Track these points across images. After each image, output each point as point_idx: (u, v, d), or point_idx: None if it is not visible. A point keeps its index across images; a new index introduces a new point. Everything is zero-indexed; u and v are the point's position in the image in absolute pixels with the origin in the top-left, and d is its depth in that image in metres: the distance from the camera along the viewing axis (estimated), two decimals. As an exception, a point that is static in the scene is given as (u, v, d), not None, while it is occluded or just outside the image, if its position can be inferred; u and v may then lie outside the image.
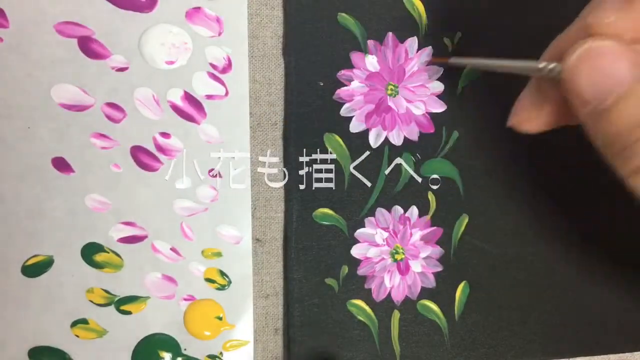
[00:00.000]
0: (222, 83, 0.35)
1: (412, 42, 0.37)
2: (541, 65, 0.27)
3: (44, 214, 0.33)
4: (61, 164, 0.33)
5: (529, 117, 0.30)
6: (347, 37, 0.36)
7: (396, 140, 0.37)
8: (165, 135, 0.34)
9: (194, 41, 0.35)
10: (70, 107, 0.33)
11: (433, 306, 0.37)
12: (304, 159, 0.36)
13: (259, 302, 0.36)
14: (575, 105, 0.25)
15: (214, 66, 0.35)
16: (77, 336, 0.34)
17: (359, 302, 0.37)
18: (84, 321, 0.34)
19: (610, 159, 0.25)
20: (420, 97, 0.37)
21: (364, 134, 0.37)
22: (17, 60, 0.33)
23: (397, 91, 0.37)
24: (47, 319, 0.34)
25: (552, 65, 0.27)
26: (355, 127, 0.36)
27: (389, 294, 0.37)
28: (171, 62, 0.34)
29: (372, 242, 0.37)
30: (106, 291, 0.34)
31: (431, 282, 0.37)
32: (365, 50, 0.36)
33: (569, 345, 0.39)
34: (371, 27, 0.37)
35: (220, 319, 0.35)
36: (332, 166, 0.36)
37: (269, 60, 0.36)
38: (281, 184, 0.36)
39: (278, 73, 0.36)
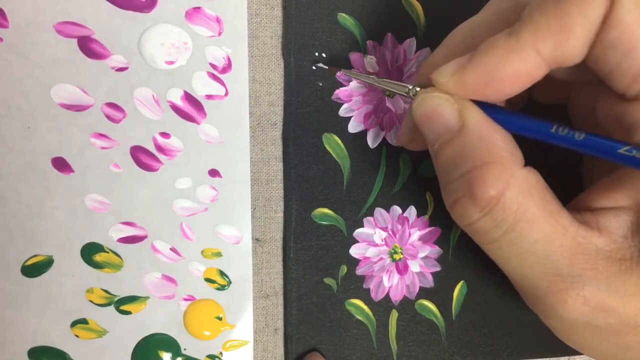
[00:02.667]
0: (222, 83, 0.36)
1: (411, 43, 0.38)
2: (409, 87, 0.32)
3: (44, 214, 0.34)
4: (61, 164, 0.34)
5: (410, 139, 0.34)
6: (346, 37, 0.37)
7: (394, 140, 0.38)
8: (165, 135, 0.35)
9: (194, 41, 0.35)
10: (70, 107, 0.34)
11: (431, 306, 0.39)
12: (303, 158, 0.37)
13: (259, 302, 0.37)
14: (423, 133, 0.30)
15: (213, 66, 0.36)
16: (77, 336, 0.35)
17: (358, 302, 0.38)
18: (83, 321, 0.35)
19: (442, 190, 0.31)
20: (418, 98, 0.38)
21: (363, 134, 0.38)
22: (17, 60, 0.34)
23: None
24: (47, 319, 0.34)
25: (415, 90, 0.32)
26: (353, 127, 0.38)
27: (388, 294, 0.38)
28: (171, 62, 0.35)
29: (370, 242, 0.38)
30: (106, 291, 0.35)
31: (429, 282, 0.39)
32: (364, 51, 0.38)
33: (567, 344, 0.40)
34: (370, 27, 0.38)
35: (220, 319, 0.36)
36: (331, 166, 0.37)
37: (268, 60, 0.37)
38: (280, 184, 0.37)
39: (278, 73, 0.37)
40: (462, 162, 0.28)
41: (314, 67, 0.37)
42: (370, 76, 0.34)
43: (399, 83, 0.32)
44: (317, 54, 0.37)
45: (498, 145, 0.28)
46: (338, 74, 0.37)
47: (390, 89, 0.33)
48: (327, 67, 0.37)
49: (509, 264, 0.30)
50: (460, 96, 0.29)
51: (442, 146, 0.29)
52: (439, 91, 0.29)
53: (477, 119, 0.28)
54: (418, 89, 0.31)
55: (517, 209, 0.27)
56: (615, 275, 0.28)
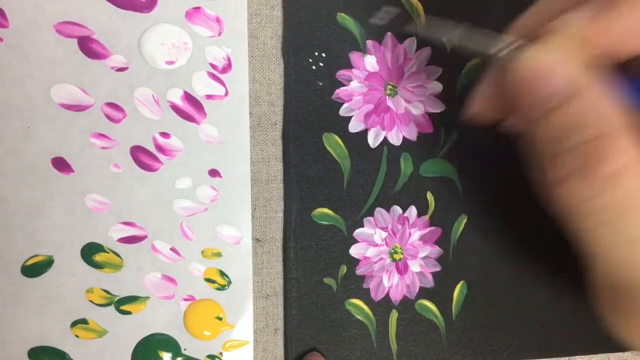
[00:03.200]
0: (222, 83, 0.36)
1: (411, 42, 0.38)
2: (509, 41, 0.27)
3: (44, 214, 0.34)
4: (61, 164, 0.34)
5: (486, 106, 0.30)
6: (346, 37, 0.38)
7: (395, 140, 0.38)
8: (165, 135, 0.35)
9: (194, 41, 0.36)
10: (70, 107, 0.34)
11: (431, 306, 0.39)
12: (303, 158, 0.37)
13: (259, 302, 0.37)
14: (521, 100, 0.26)
15: (213, 66, 0.36)
16: (77, 336, 0.35)
17: (357, 302, 0.38)
18: (83, 321, 0.35)
19: (543, 167, 0.26)
20: (419, 97, 0.39)
21: (363, 133, 0.38)
22: (17, 60, 0.34)
23: (396, 91, 0.38)
24: (47, 319, 0.35)
25: (517, 44, 0.27)
26: (354, 127, 0.38)
27: (387, 294, 0.38)
28: (171, 62, 0.35)
29: (370, 242, 0.38)
30: (106, 291, 0.35)
31: (429, 282, 0.39)
32: (364, 51, 0.38)
33: (567, 344, 0.40)
34: (370, 27, 0.38)
35: (220, 319, 0.36)
36: (331, 166, 0.38)
37: (268, 60, 0.37)
38: (281, 184, 0.37)
39: (278, 73, 0.37)
40: (578, 131, 0.24)
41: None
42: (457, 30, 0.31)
43: (500, 36, 0.28)
44: (316, 53, 0.37)
45: (614, 117, 0.24)
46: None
47: (475, 48, 0.29)
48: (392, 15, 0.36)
49: (616, 252, 0.25)
50: (589, 50, 0.24)
51: (551, 112, 0.24)
52: (545, 50, 0.25)
53: (593, 82, 0.24)
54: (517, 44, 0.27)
55: (633, 190, 0.23)
56: None
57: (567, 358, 0.41)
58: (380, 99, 0.38)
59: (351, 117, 0.38)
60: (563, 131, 0.24)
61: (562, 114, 0.24)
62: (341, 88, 0.37)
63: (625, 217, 0.24)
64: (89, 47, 0.35)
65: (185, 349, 0.36)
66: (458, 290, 0.39)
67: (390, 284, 0.38)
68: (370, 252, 0.38)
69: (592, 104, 0.24)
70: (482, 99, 0.30)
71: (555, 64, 0.24)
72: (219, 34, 0.36)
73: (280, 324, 0.38)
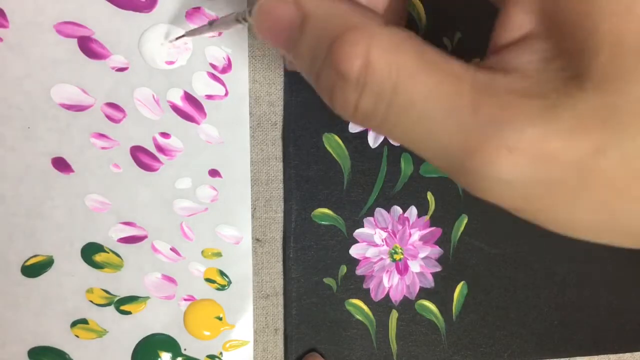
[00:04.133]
0: (222, 83, 0.36)
1: (411, 42, 0.39)
2: (240, 11, 0.27)
3: (44, 214, 0.35)
4: (61, 164, 0.35)
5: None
6: (346, 37, 0.38)
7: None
8: (165, 135, 0.36)
9: (194, 41, 0.36)
10: (70, 107, 0.35)
11: (431, 306, 0.39)
12: (303, 158, 0.38)
13: (259, 302, 0.38)
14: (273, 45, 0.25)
15: (213, 66, 0.36)
16: (77, 336, 0.35)
17: (357, 302, 0.38)
18: (84, 321, 0.35)
19: (319, 92, 0.24)
20: (419, 97, 0.39)
21: (363, 134, 0.38)
22: (17, 60, 0.34)
23: (396, 91, 0.38)
24: (47, 319, 0.35)
25: (242, 12, 0.27)
26: (354, 127, 0.38)
27: (388, 294, 0.39)
28: (171, 62, 0.36)
29: (370, 242, 0.39)
30: (106, 291, 0.36)
31: (430, 282, 0.39)
32: (364, 50, 0.38)
33: (567, 345, 0.41)
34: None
35: (220, 319, 0.37)
36: (331, 166, 0.38)
37: (269, 60, 0.37)
38: (281, 184, 0.38)
39: (278, 73, 0.38)
40: (318, 47, 0.23)
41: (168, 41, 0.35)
42: (203, 26, 0.32)
43: (228, 15, 0.29)
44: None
45: (346, 15, 0.23)
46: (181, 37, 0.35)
47: (226, 26, 0.30)
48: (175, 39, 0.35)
49: (413, 140, 0.23)
50: None
51: (294, 45, 0.24)
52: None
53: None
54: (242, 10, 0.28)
55: (390, 70, 0.22)
56: (538, 114, 0.21)
57: (567, 359, 0.41)
58: (381, 99, 0.38)
59: (351, 117, 0.38)
60: (310, 54, 0.23)
61: (303, 41, 0.24)
62: (341, 88, 0.38)
63: (397, 98, 0.22)
64: (89, 47, 0.35)
65: (185, 349, 0.36)
66: (458, 291, 0.39)
67: (391, 284, 0.39)
68: (371, 252, 0.38)
69: (319, 20, 0.23)
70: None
71: (274, 7, 0.24)
72: (219, 34, 0.36)
73: (280, 324, 0.38)
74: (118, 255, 0.36)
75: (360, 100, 0.22)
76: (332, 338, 0.38)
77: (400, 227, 0.39)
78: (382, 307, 0.39)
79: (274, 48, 0.28)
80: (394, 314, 0.39)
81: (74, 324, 0.35)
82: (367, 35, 0.22)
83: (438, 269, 0.39)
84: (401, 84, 0.21)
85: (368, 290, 0.38)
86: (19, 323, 0.35)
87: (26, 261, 0.35)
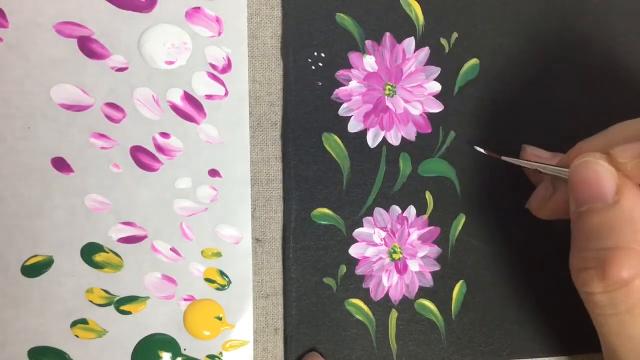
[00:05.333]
0: (222, 83, 0.37)
1: (410, 42, 0.39)
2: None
3: (44, 214, 0.35)
4: (61, 164, 0.35)
5: (540, 206, 0.37)
6: (345, 37, 0.38)
7: (394, 140, 0.39)
8: (165, 135, 0.36)
9: (194, 41, 0.36)
10: (70, 107, 0.35)
11: (430, 305, 0.40)
12: (302, 158, 0.38)
13: (259, 302, 0.38)
14: (572, 194, 0.32)
15: (213, 66, 0.37)
16: (77, 336, 0.36)
17: (357, 302, 0.39)
18: (83, 321, 0.36)
19: (572, 251, 0.33)
20: (417, 97, 0.40)
21: (362, 133, 0.39)
22: (17, 60, 0.35)
23: (394, 91, 0.39)
24: (47, 319, 0.35)
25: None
26: (353, 127, 0.39)
27: (387, 294, 0.39)
28: (171, 62, 0.36)
29: (370, 242, 0.39)
30: (106, 291, 0.36)
31: (429, 282, 0.40)
32: (363, 51, 0.39)
33: (567, 344, 0.41)
34: (369, 27, 0.39)
35: (220, 319, 0.37)
36: (330, 166, 0.38)
37: (268, 60, 0.38)
38: (281, 184, 0.38)
39: (278, 73, 0.38)
40: (605, 237, 0.30)
41: (502, 158, 0.38)
42: (532, 164, 0.36)
43: (561, 168, 0.34)
44: (316, 53, 0.38)
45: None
46: (503, 157, 0.38)
47: (552, 173, 0.35)
48: (485, 152, 0.39)
49: (610, 340, 0.32)
50: (632, 179, 0.30)
51: (589, 212, 0.31)
52: (605, 162, 0.31)
53: (635, 202, 0.30)
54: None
55: (639, 298, 0.29)
56: None
57: (567, 357, 0.42)
58: (379, 99, 0.39)
59: (350, 117, 0.39)
60: (595, 232, 0.30)
61: (598, 217, 0.30)
62: (340, 88, 0.38)
63: (624, 315, 0.30)
64: (88, 47, 0.35)
65: (185, 349, 0.37)
66: (457, 290, 0.40)
67: (390, 283, 0.39)
68: (370, 251, 0.39)
69: (624, 218, 0.29)
70: (537, 199, 0.37)
71: (606, 177, 0.30)
72: (219, 34, 0.37)
73: (280, 324, 0.38)
74: (118, 255, 0.36)
75: (600, 295, 0.30)
76: (332, 338, 0.38)
77: (399, 226, 0.39)
78: (382, 306, 0.39)
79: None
80: (394, 314, 0.39)
81: (73, 324, 0.36)
82: None
83: (437, 268, 0.40)
84: (637, 310, 0.29)
85: (367, 289, 0.39)
86: (19, 323, 0.35)
87: (26, 261, 0.35)
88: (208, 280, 0.37)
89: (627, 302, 0.30)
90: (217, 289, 0.37)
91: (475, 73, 0.40)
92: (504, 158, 0.38)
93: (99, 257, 0.36)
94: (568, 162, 0.33)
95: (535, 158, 0.39)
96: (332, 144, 0.38)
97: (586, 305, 0.32)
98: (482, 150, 0.39)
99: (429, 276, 0.40)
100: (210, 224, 0.37)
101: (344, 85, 0.38)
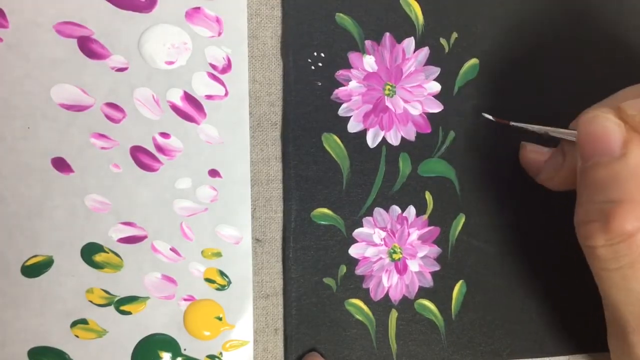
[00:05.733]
0: (222, 83, 0.37)
1: (409, 42, 0.39)
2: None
3: (44, 214, 0.35)
4: (61, 164, 0.35)
5: (552, 176, 0.37)
6: (345, 37, 0.39)
7: (393, 140, 0.39)
8: (165, 135, 0.36)
9: (194, 41, 0.37)
10: (70, 107, 0.35)
11: (430, 305, 0.40)
12: (302, 158, 0.38)
13: (259, 302, 0.38)
14: (581, 149, 0.32)
15: (213, 66, 0.37)
16: (77, 336, 0.36)
17: (357, 302, 0.39)
18: (83, 321, 0.36)
19: (577, 204, 0.32)
20: (417, 98, 0.40)
21: (362, 134, 0.39)
22: (17, 60, 0.35)
23: (394, 91, 0.39)
24: (47, 319, 0.35)
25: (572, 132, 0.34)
26: (353, 127, 0.39)
27: (387, 294, 0.39)
28: (171, 62, 0.36)
29: (370, 242, 0.39)
30: (106, 291, 0.36)
31: (429, 282, 0.40)
32: (363, 51, 0.39)
33: (566, 343, 0.42)
34: (369, 27, 0.39)
35: (220, 319, 0.37)
36: (330, 166, 0.39)
37: (268, 60, 0.38)
38: (281, 184, 0.38)
39: (278, 73, 0.38)
40: (610, 189, 0.30)
41: (511, 124, 0.39)
42: (542, 127, 0.37)
43: (568, 130, 0.35)
44: (315, 53, 0.38)
45: None
46: (512, 123, 0.39)
47: (561, 136, 0.36)
48: (493, 119, 0.39)
49: (610, 294, 0.32)
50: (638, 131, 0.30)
51: (595, 166, 0.31)
52: (614, 116, 0.31)
53: None
54: None
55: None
56: None
57: (567, 357, 0.42)
58: (379, 99, 0.39)
59: (350, 117, 0.39)
60: (600, 185, 0.30)
61: (604, 170, 0.30)
62: (340, 88, 0.39)
63: (627, 270, 0.30)
64: (88, 47, 0.35)
65: (185, 349, 0.37)
66: (457, 290, 0.40)
67: (390, 283, 0.39)
68: (370, 252, 0.39)
69: (630, 172, 0.29)
70: (549, 169, 0.38)
71: (613, 130, 0.30)
72: (219, 34, 0.37)
73: (280, 324, 0.39)
74: (118, 255, 0.36)
75: (602, 248, 0.30)
76: (332, 338, 0.38)
77: (399, 226, 0.40)
78: (382, 306, 0.39)
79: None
80: (394, 314, 0.39)
81: (73, 324, 0.36)
82: None
83: (437, 268, 0.40)
84: (639, 265, 0.30)
85: (367, 290, 0.39)
86: (19, 323, 0.35)
87: (26, 261, 0.35)
88: (208, 280, 0.37)
89: (629, 256, 0.30)
90: (217, 289, 0.37)
91: (475, 73, 0.41)
92: (512, 123, 0.38)
93: (99, 257, 0.36)
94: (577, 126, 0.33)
95: (534, 155, 0.39)
96: (332, 144, 0.39)
97: (588, 261, 0.33)
98: (490, 117, 0.39)
99: (429, 276, 0.40)
100: (210, 224, 0.37)
101: (344, 86, 0.39)
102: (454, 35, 0.40)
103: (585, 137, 0.31)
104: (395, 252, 0.39)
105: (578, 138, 0.32)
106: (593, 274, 0.33)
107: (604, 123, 0.31)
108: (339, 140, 0.39)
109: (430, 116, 0.40)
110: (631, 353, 0.32)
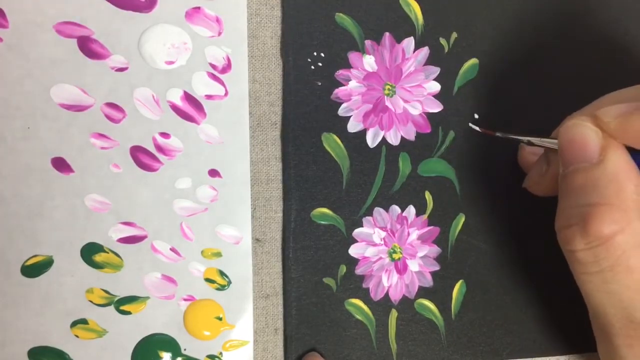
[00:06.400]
0: (222, 83, 0.37)
1: (409, 42, 0.40)
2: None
3: (44, 214, 0.35)
4: (61, 164, 0.35)
5: (537, 182, 0.38)
6: (344, 37, 0.39)
7: (393, 140, 0.40)
8: (165, 135, 0.37)
9: (194, 41, 0.37)
10: (70, 107, 0.35)
11: (430, 305, 0.40)
12: (302, 158, 0.38)
13: (259, 302, 0.38)
14: (561, 155, 0.33)
15: (213, 66, 0.37)
16: (77, 336, 0.36)
17: (357, 302, 0.39)
18: (83, 321, 0.36)
19: (558, 211, 0.33)
20: (417, 97, 0.40)
21: (362, 133, 0.39)
22: (17, 60, 0.35)
23: (394, 91, 0.39)
24: (47, 319, 0.35)
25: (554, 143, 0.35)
26: (353, 126, 0.39)
27: (387, 293, 0.40)
28: (171, 62, 0.37)
29: (369, 242, 0.39)
30: (106, 291, 0.36)
31: (428, 281, 0.40)
32: (362, 50, 0.39)
33: (566, 343, 0.42)
34: (368, 27, 0.39)
35: (220, 319, 0.37)
36: (330, 166, 0.39)
37: (268, 60, 0.38)
38: (281, 184, 0.39)
39: (278, 73, 0.38)
40: (588, 194, 0.31)
41: (496, 134, 0.38)
42: (525, 138, 0.37)
43: (552, 140, 0.35)
44: (315, 53, 0.38)
45: (628, 191, 0.30)
46: (497, 133, 0.38)
47: (544, 145, 0.36)
48: (480, 130, 0.39)
49: (593, 297, 0.33)
50: (616, 138, 0.31)
51: (574, 172, 0.32)
52: (591, 123, 0.32)
53: (619, 161, 0.31)
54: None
55: (620, 254, 0.30)
56: None
57: (566, 357, 0.42)
58: (379, 99, 0.39)
59: (350, 117, 0.39)
60: (579, 190, 0.31)
61: (582, 176, 0.31)
62: (340, 88, 0.39)
63: (607, 273, 0.31)
64: (88, 47, 0.36)
65: (185, 349, 0.37)
66: (457, 290, 0.40)
67: (390, 283, 0.40)
68: (370, 251, 0.39)
69: (607, 177, 0.30)
70: (534, 175, 0.38)
71: (590, 137, 0.31)
72: (219, 34, 0.37)
73: (280, 324, 0.39)
74: (118, 255, 0.36)
75: (582, 252, 0.31)
76: (332, 338, 0.39)
77: (398, 226, 0.40)
78: (382, 306, 0.39)
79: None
80: (394, 314, 0.40)
81: (73, 324, 0.36)
82: (627, 221, 0.30)
83: (436, 268, 0.40)
84: (619, 268, 0.30)
85: (367, 289, 0.39)
86: (19, 323, 0.35)
87: (26, 261, 0.35)
88: (208, 280, 0.37)
89: (609, 259, 0.30)
90: (217, 289, 0.37)
91: (474, 73, 0.41)
92: (498, 134, 0.38)
93: (99, 257, 0.36)
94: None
95: (533, 156, 0.39)
96: (332, 143, 0.39)
97: (570, 266, 0.33)
98: (476, 128, 0.39)
99: (429, 276, 0.40)
100: (210, 224, 0.37)
101: (344, 85, 0.39)
102: (454, 35, 0.40)
103: (565, 144, 0.32)
104: (395, 252, 0.40)
105: (559, 146, 0.33)
106: (575, 278, 0.34)
107: (582, 131, 0.31)
108: (338, 140, 0.39)
109: (430, 116, 0.40)
110: (617, 356, 0.33)
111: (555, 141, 0.34)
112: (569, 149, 0.32)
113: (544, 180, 0.37)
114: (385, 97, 0.39)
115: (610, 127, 0.31)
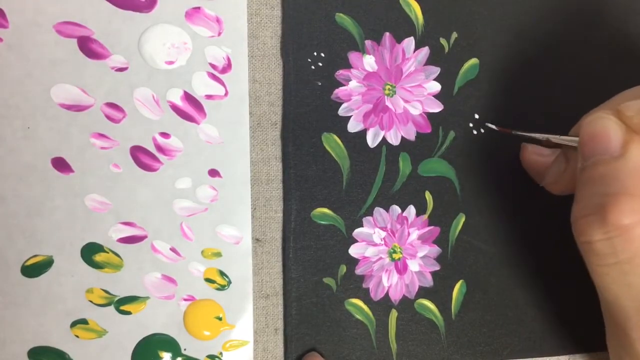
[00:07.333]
0: (222, 83, 0.37)
1: (409, 42, 0.40)
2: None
3: (44, 214, 0.35)
4: (61, 164, 0.36)
5: (554, 181, 0.37)
6: (344, 37, 0.39)
7: (394, 140, 0.40)
8: (165, 135, 0.37)
9: (194, 41, 0.37)
10: (70, 107, 0.36)
11: (430, 305, 0.40)
12: (302, 158, 0.39)
13: (259, 302, 0.38)
14: (582, 148, 0.32)
15: (213, 66, 0.37)
16: (77, 336, 0.36)
17: (357, 302, 0.39)
18: (83, 321, 0.36)
19: (574, 202, 0.33)
20: (417, 97, 0.40)
21: (362, 133, 0.39)
22: (17, 60, 0.35)
23: (394, 91, 0.40)
24: (47, 319, 0.36)
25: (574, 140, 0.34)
26: (353, 126, 0.39)
27: (387, 293, 0.40)
28: (171, 62, 0.37)
29: (370, 242, 0.40)
30: (106, 291, 0.36)
31: (429, 281, 0.40)
32: (362, 50, 0.39)
33: (566, 343, 0.42)
34: (368, 27, 0.39)
35: (220, 319, 0.37)
36: (330, 166, 0.39)
37: (268, 60, 0.38)
38: (281, 184, 0.39)
39: (278, 73, 0.39)
40: (608, 184, 0.30)
41: (513, 132, 0.38)
42: (543, 136, 0.37)
43: (569, 137, 0.35)
44: (315, 53, 0.38)
45: None
46: (513, 131, 0.38)
47: (563, 143, 0.36)
48: (497, 128, 0.39)
49: (610, 290, 0.32)
50: (639, 133, 0.31)
51: (595, 163, 0.31)
52: (614, 117, 0.31)
53: None
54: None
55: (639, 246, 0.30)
56: None
57: (566, 357, 0.42)
58: (379, 99, 0.39)
59: (350, 117, 0.39)
60: (598, 180, 0.31)
61: (603, 168, 0.31)
62: (340, 88, 0.39)
63: (625, 265, 0.30)
64: (88, 47, 0.36)
65: (185, 349, 0.37)
66: (457, 290, 0.41)
67: (390, 283, 0.40)
68: (370, 251, 0.39)
69: (629, 170, 0.30)
70: (553, 174, 0.38)
71: (613, 129, 0.31)
72: (219, 34, 0.37)
73: (280, 324, 0.39)
74: (118, 255, 0.36)
75: (599, 242, 0.30)
76: (332, 338, 0.39)
77: (399, 226, 0.40)
78: (382, 306, 0.40)
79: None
80: (394, 314, 0.40)
81: (73, 324, 0.36)
82: None
83: (437, 268, 0.40)
84: (637, 259, 0.30)
85: (367, 289, 0.39)
86: (19, 323, 0.35)
87: (26, 261, 0.35)
88: (208, 280, 0.37)
89: (627, 251, 0.30)
90: (217, 289, 0.37)
91: (475, 73, 0.41)
92: (514, 132, 0.38)
93: (99, 257, 0.36)
94: (578, 131, 0.34)
95: (535, 156, 0.39)
96: (332, 143, 0.39)
97: (585, 258, 0.32)
98: (494, 127, 0.39)
99: (429, 276, 0.40)
100: (210, 224, 0.37)
101: (344, 85, 0.39)
102: (454, 35, 0.41)
103: (587, 137, 0.32)
104: (395, 251, 0.40)
105: (580, 140, 0.32)
106: (590, 271, 0.33)
107: (605, 123, 0.31)
108: (339, 140, 0.39)
109: (430, 116, 0.40)
110: (632, 350, 0.33)
111: (575, 138, 0.33)
112: (591, 142, 0.31)
113: (562, 179, 0.37)
114: (386, 97, 0.39)
115: (633, 122, 0.31)
